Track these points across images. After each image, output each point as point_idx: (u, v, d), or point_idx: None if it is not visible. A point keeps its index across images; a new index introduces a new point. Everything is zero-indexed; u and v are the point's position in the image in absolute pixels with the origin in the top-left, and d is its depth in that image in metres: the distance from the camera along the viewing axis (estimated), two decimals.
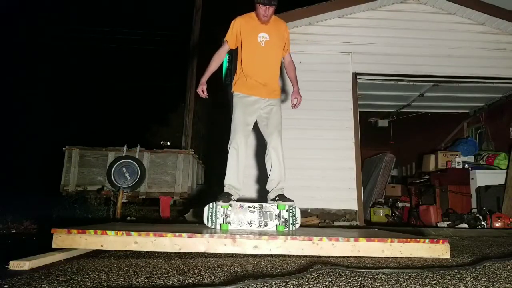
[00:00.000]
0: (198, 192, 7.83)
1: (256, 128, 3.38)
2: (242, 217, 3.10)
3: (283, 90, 5.18)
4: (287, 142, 5.38)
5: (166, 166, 6.97)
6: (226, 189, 3.16)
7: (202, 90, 3.16)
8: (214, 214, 3.08)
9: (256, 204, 3.13)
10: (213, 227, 3.05)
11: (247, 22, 3.21)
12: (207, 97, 3.17)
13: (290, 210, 3.13)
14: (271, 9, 3.06)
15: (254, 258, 2.37)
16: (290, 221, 3.11)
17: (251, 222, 3.09)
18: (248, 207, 3.11)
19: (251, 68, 3.20)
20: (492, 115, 7.38)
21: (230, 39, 3.25)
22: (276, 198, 3.13)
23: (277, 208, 3.12)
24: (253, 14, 3.22)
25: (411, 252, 2.43)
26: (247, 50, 3.20)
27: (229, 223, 3.06)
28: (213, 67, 3.25)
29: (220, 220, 3.06)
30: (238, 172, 3.15)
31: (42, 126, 20.77)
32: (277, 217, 3.11)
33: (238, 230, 2.95)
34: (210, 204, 3.10)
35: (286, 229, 3.05)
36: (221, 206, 3.07)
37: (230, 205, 3.10)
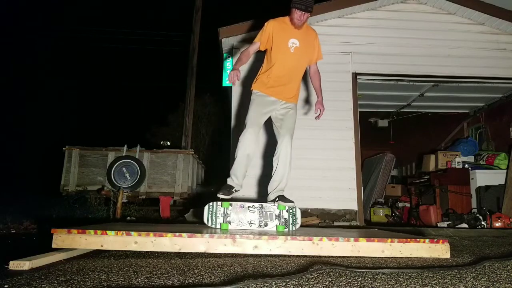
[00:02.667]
0: (199, 192, 7.84)
1: (264, 128, 3.41)
2: (242, 217, 3.10)
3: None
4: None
5: (166, 166, 6.97)
6: (229, 181, 3.20)
7: (237, 74, 3.05)
8: (214, 213, 3.08)
9: (256, 204, 3.14)
10: (213, 226, 3.05)
11: (280, 25, 3.22)
12: (237, 81, 3.11)
13: (290, 211, 3.13)
14: (306, 15, 3.10)
15: (254, 258, 2.37)
16: (290, 221, 3.11)
17: (251, 222, 3.09)
18: (249, 207, 3.12)
19: (277, 72, 3.22)
20: (492, 115, 7.37)
21: (262, 41, 3.23)
22: (277, 199, 3.14)
23: (278, 208, 3.13)
24: (286, 18, 3.23)
25: (411, 252, 2.43)
26: (276, 53, 3.21)
27: (229, 222, 3.07)
28: (244, 61, 3.24)
29: (220, 220, 3.07)
30: (245, 165, 3.19)
31: (42, 126, 20.77)
32: (277, 217, 3.11)
33: (238, 229, 2.95)
34: (211, 203, 3.11)
35: (286, 229, 3.06)
36: (222, 200, 3.09)
37: (231, 204, 3.11)
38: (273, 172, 3.25)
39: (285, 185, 3.24)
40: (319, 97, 3.37)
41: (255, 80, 3.35)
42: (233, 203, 3.13)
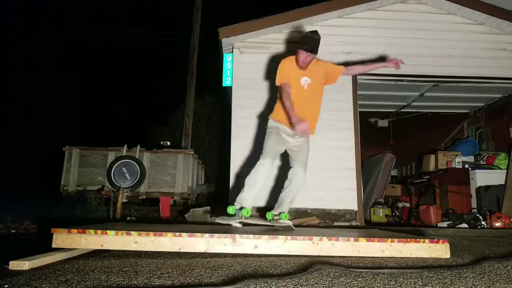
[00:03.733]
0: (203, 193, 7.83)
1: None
2: None
3: None
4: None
5: (166, 166, 6.96)
6: (237, 206, 3.29)
7: (307, 126, 3.13)
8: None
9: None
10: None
11: (292, 64, 3.32)
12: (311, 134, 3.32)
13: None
14: (311, 56, 3.18)
15: (254, 258, 2.37)
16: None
17: None
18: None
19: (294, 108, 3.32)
20: (492, 115, 7.37)
21: (287, 76, 3.32)
22: (277, 216, 3.29)
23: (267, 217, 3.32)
24: (293, 58, 3.33)
25: (411, 252, 2.43)
26: (291, 91, 3.30)
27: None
28: (291, 104, 3.26)
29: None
30: (255, 195, 3.31)
31: (42, 126, 20.77)
32: None
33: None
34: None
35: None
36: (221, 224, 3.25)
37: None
38: (284, 188, 3.36)
39: (289, 206, 3.37)
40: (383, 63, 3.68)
41: (274, 110, 3.46)
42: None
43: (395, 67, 3.50)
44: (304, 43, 3.13)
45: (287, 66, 3.32)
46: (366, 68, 3.86)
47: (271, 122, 3.42)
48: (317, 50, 3.18)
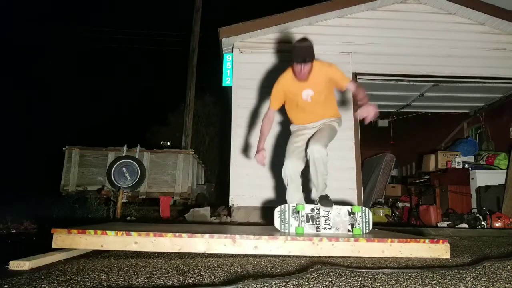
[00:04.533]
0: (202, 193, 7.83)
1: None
2: (317, 220, 2.97)
3: None
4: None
5: (166, 166, 6.97)
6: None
7: (263, 155, 3.11)
8: (287, 217, 2.93)
9: (329, 208, 3.02)
10: (286, 230, 2.90)
11: (290, 83, 3.14)
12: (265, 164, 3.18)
13: (364, 213, 3.04)
14: (307, 66, 2.94)
15: (254, 258, 2.37)
16: (365, 224, 3.01)
17: (325, 225, 2.96)
18: (324, 210, 3.00)
19: (302, 121, 3.32)
20: (492, 115, 7.37)
21: (275, 106, 3.26)
22: (317, 200, 3.09)
23: (352, 210, 3.02)
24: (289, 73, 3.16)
25: (411, 252, 2.43)
26: (294, 108, 3.27)
27: (304, 226, 2.92)
28: (266, 133, 3.25)
29: (295, 223, 2.92)
30: (296, 188, 3.17)
31: (42, 126, 20.77)
32: (350, 220, 3.00)
33: (313, 233, 2.83)
34: (282, 206, 2.97)
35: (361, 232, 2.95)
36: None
37: (304, 208, 2.99)
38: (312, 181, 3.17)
39: (323, 187, 3.14)
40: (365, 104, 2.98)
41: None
42: (306, 205, 3.01)
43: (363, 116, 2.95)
44: (295, 56, 2.92)
45: (279, 90, 3.20)
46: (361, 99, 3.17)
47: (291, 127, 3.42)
48: (311, 57, 2.93)
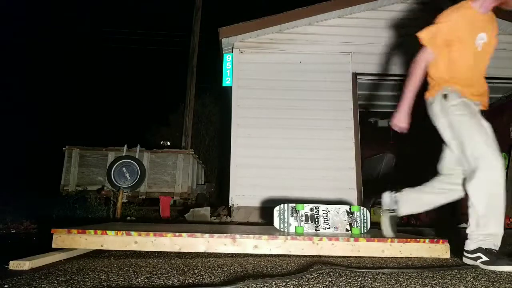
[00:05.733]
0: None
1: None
2: (316, 219, 2.93)
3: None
4: (287, 142, 5.43)
5: (166, 166, 6.97)
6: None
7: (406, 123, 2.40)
8: (286, 216, 2.90)
9: (329, 206, 2.99)
10: (285, 230, 2.87)
11: (468, 17, 2.30)
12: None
13: (363, 213, 3.02)
14: None
15: (254, 258, 2.37)
16: (363, 224, 3.01)
17: (324, 224, 2.94)
18: (322, 210, 2.97)
19: (465, 82, 2.31)
20: (492, 115, 7.35)
21: (437, 44, 2.30)
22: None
23: (351, 210, 3.00)
24: (468, 3, 2.32)
25: (411, 252, 2.43)
26: (461, 56, 2.32)
27: (303, 225, 2.89)
28: (416, 81, 2.39)
29: (294, 223, 2.88)
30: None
31: (42, 126, 20.77)
32: (349, 220, 2.99)
33: (312, 233, 2.81)
34: (281, 206, 2.94)
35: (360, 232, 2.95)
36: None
37: (304, 207, 2.93)
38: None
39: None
40: None
41: (448, 79, 2.32)
42: (305, 205, 2.97)
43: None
44: None
45: (454, 21, 2.25)
46: None
47: (453, 98, 2.26)
48: None
